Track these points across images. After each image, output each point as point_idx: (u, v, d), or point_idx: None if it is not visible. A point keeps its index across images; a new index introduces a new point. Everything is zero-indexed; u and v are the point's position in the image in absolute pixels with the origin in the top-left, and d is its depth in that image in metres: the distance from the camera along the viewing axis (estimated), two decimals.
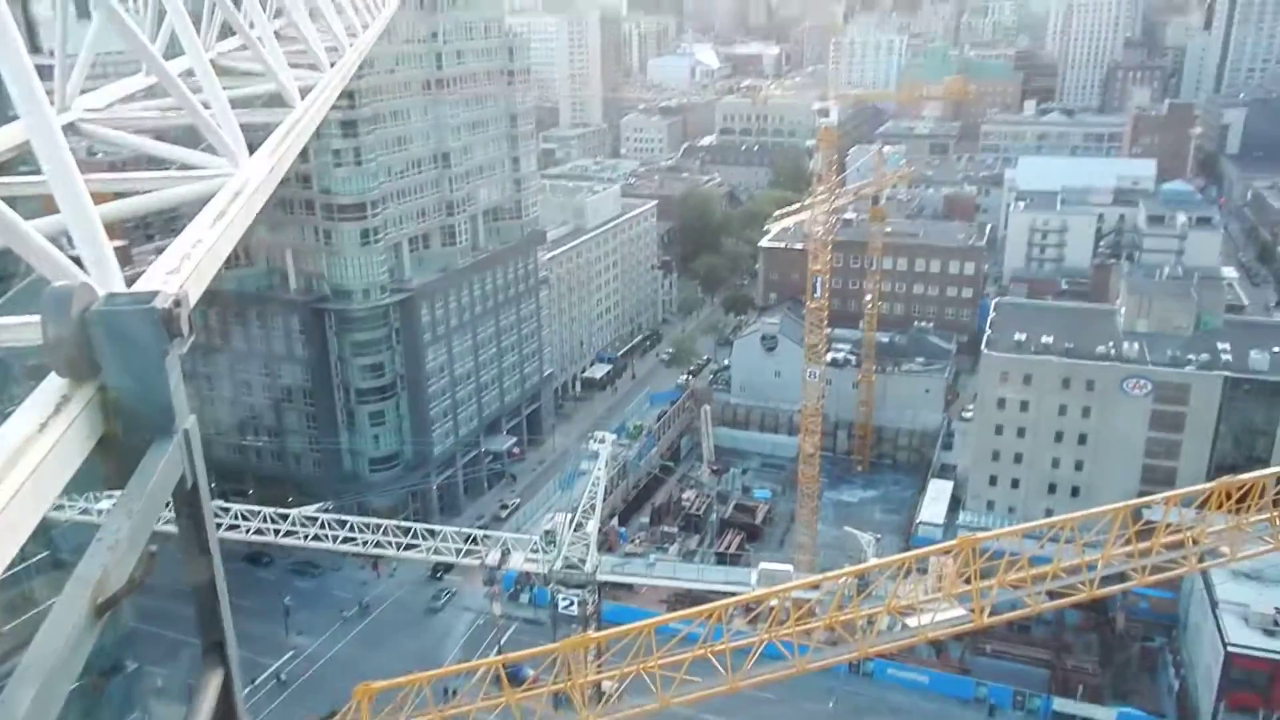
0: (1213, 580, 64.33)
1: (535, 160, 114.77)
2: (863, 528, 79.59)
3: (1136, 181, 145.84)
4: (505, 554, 55.25)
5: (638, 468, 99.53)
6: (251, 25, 9.68)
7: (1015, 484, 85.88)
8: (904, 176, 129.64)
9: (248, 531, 51.66)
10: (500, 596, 76.96)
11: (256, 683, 65.81)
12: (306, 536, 53.92)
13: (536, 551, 54.76)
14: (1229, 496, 31.08)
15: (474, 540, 56.59)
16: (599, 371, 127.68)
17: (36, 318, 3.41)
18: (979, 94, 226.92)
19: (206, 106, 7.30)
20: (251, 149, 7.44)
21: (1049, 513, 70.85)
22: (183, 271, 4.83)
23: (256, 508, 55.39)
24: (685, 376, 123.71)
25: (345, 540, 55.52)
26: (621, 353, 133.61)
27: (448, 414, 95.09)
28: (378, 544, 55.35)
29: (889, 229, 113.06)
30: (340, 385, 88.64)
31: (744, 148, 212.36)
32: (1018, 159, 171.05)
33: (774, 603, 31.25)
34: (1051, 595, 31.76)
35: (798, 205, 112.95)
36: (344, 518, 56.57)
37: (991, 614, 29.81)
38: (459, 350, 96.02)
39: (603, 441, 55.52)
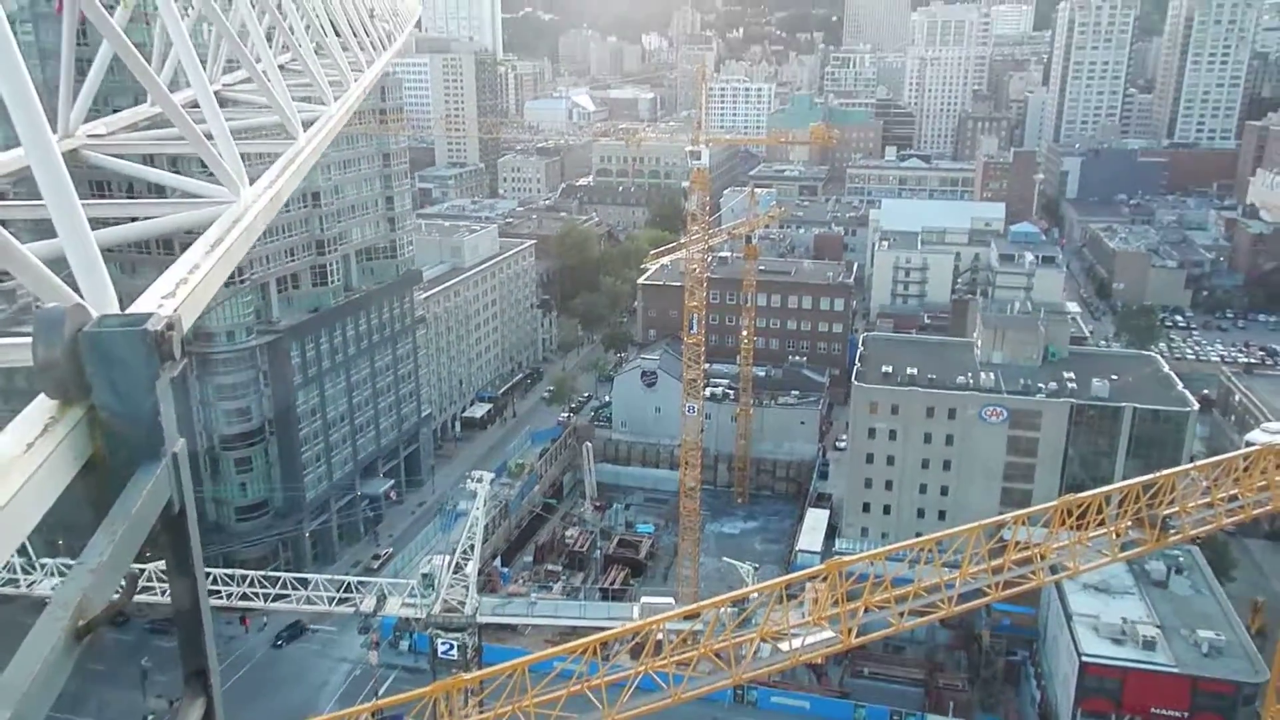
0: (1067, 594, 68.34)
1: (410, 199, 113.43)
2: (744, 558, 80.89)
3: (988, 223, 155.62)
4: (381, 600, 53.64)
5: (520, 507, 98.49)
6: (258, 59, 9.82)
7: (887, 510, 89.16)
8: (775, 217, 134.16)
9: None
10: (378, 645, 74.59)
11: None
12: (163, 592, 50.94)
13: (414, 596, 53.38)
14: (1070, 514, 33.36)
15: (348, 587, 54.71)
16: (479, 411, 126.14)
17: (28, 339, 3.37)
18: (843, 140, 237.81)
19: (209, 136, 7.38)
20: (254, 180, 7.56)
21: (919, 536, 73.95)
22: (178, 296, 4.87)
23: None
24: (566, 414, 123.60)
25: (210, 594, 52.72)
26: (502, 391, 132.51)
27: (321, 458, 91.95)
28: (244, 596, 52.79)
29: (762, 267, 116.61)
30: (203, 431, 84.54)
31: (621, 188, 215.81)
32: (881, 201, 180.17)
33: (658, 635, 31.49)
34: (916, 614, 33.19)
35: (674, 244, 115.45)
36: (206, 570, 53.83)
37: (859, 634, 30.91)
38: (332, 392, 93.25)
39: (481, 481, 54.83)
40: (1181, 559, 72.52)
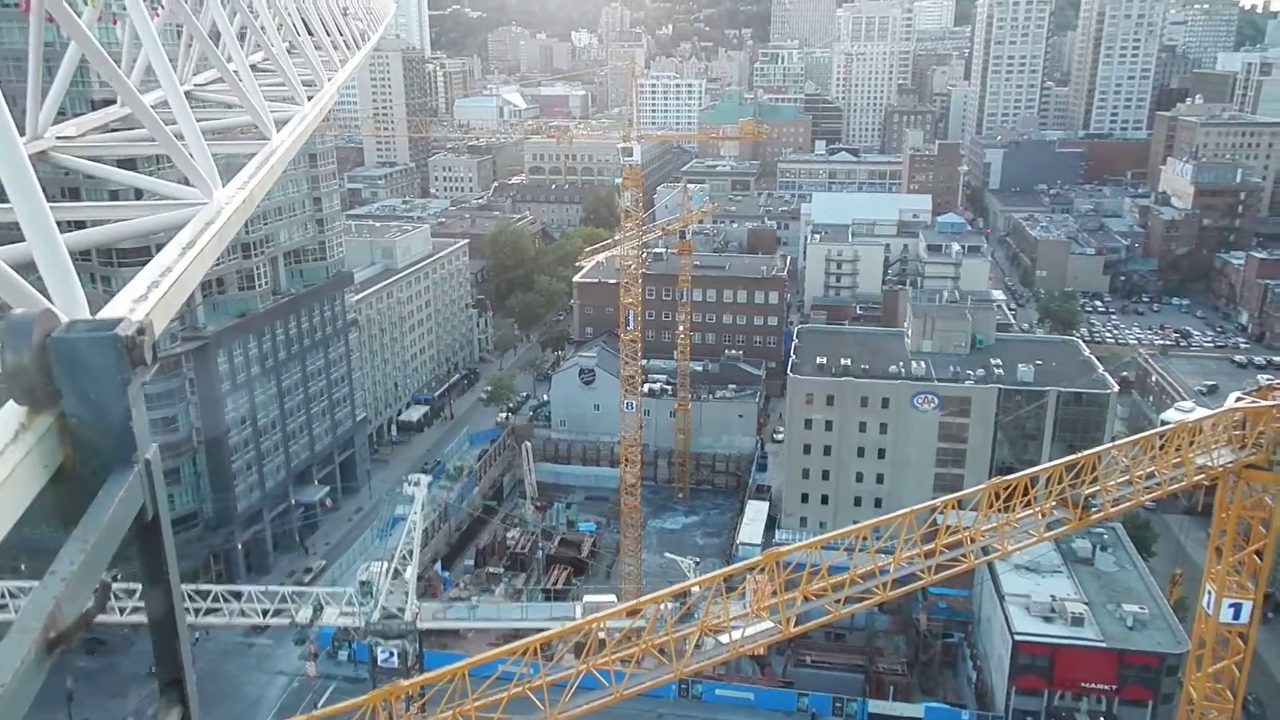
0: (999, 575, 70.20)
1: (339, 200, 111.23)
2: (685, 553, 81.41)
3: (916, 214, 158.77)
4: (318, 610, 52.58)
5: (459, 510, 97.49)
6: (229, 59, 9.75)
7: (825, 500, 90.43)
8: (709, 212, 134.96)
9: (18, 611, 46.41)
10: (316, 656, 73.14)
11: None
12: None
13: (352, 604, 52.44)
14: (998, 496, 34.25)
15: (283, 599, 53.50)
16: (416, 414, 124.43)
17: None
18: (773, 135, 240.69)
19: (180, 137, 7.29)
20: (227, 180, 7.51)
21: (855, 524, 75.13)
22: (150, 299, 4.85)
23: (27, 584, 49.98)
24: (505, 414, 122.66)
25: (135, 611, 51.02)
26: (438, 393, 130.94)
27: (252, 467, 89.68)
28: None
29: (697, 262, 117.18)
30: None
31: (554, 186, 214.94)
32: (812, 195, 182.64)
33: (600, 633, 31.42)
34: (853, 600, 33.72)
35: (609, 241, 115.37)
36: (132, 586, 52.07)
37: (798, 623, 31.31)
38: (262, 398, 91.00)
39: (417, 484, 54.09)
40: (1106, 536, 75.11)
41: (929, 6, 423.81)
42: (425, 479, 56.48)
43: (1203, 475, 36.75)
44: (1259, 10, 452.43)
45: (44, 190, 4.70)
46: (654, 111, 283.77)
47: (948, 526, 32.70)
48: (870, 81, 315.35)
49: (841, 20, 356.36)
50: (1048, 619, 66.97)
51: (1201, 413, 38.98)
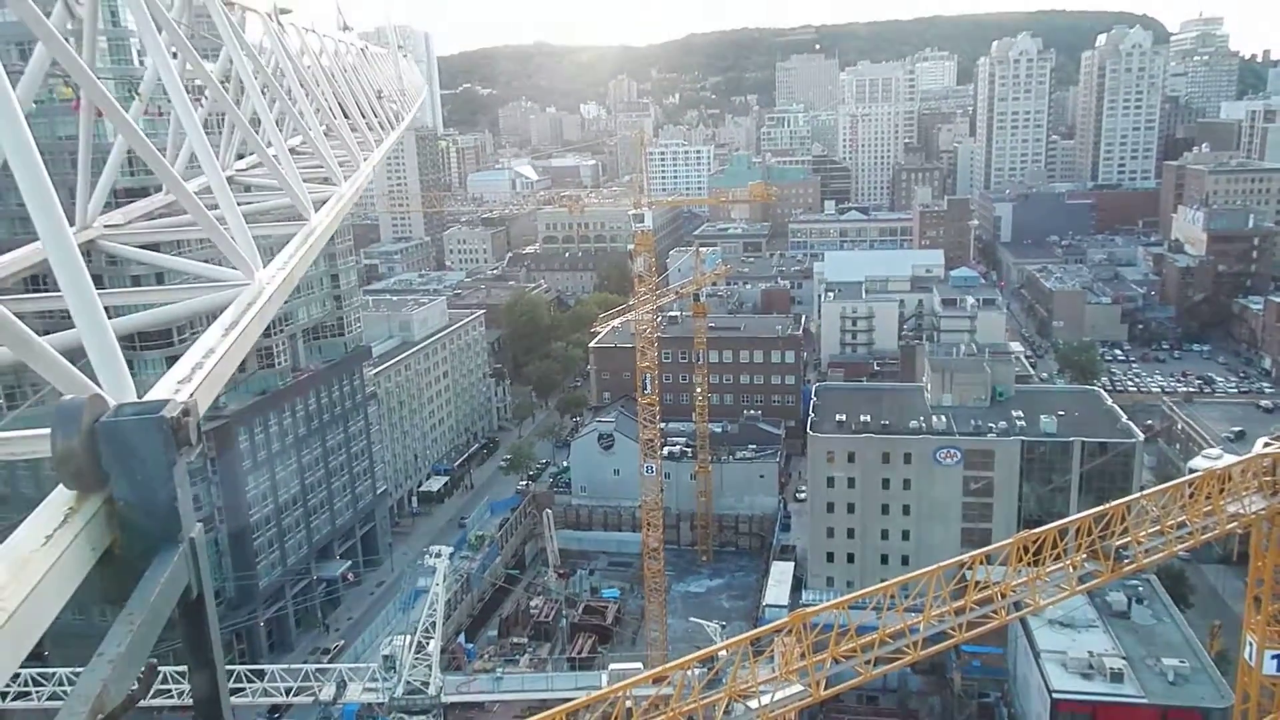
0: (1033, 631, 68.54)
1: (356, 276, 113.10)
2: (711, 617, 79.94)
3: (929, 269, 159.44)
4: (341, 687, 51.94)
5: (481, 580, 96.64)
6: (269, 144, 10.10)
7: (851, 559, 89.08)
8: (722, 274, 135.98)
9: (40, 698, 46.08)
10: None
11: None
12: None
13: (376, 680, 51.80)
14: (1027, 550, 33.74)
15: (306, 676, 52.93)
16: (436, 484, 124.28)
17: (47, 430, 3.41)
18: (783, 196, 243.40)
19: (223, 221, 7.54)
20: (269, 261, 7.76)
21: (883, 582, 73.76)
22: (194, 380, 4.93)
23: (50, 670, 49.73)
24: (525, 482, 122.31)
25: (158, 694, 50.57)
26: (458, 463, 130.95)
27: (274, 543, 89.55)
28: None
29: (712, 324, 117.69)
30: None
31: (568, 254, 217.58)
32: (824, 254, 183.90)
33: (627, 702, 30.88)
34: (883, 661, 33.06)
35: (623, 306, 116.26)
36: (156, 669, 51.67)
37: (829, 686, 30.68)
38: (283, 475, 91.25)
39: (439, 555, 53.79)
40: (1141, 589, 73.35)
41: (930, 67, 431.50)
42: (446, 550, 56.18)
43: (1235, 523, 36.11)
44: (1259, 60, 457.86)
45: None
46: (664, 178, 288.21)
47: (977, 582, 32.19)
48: (876, 141, 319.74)
49: (845, 83, 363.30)
50: (1086, 675, 65.06)
51: (1230, 459, 38.45)
